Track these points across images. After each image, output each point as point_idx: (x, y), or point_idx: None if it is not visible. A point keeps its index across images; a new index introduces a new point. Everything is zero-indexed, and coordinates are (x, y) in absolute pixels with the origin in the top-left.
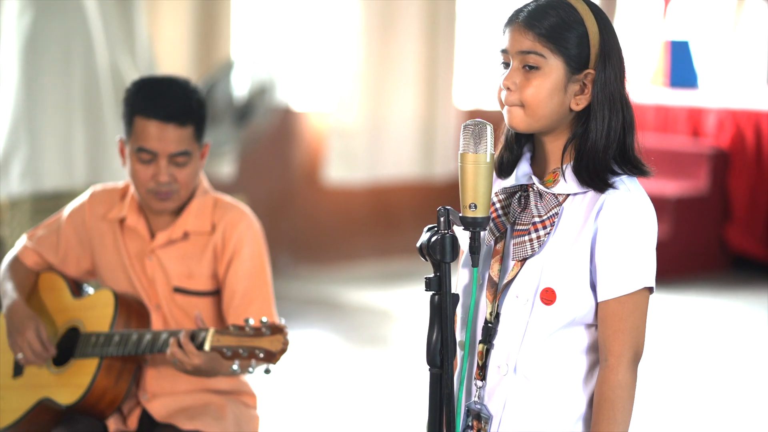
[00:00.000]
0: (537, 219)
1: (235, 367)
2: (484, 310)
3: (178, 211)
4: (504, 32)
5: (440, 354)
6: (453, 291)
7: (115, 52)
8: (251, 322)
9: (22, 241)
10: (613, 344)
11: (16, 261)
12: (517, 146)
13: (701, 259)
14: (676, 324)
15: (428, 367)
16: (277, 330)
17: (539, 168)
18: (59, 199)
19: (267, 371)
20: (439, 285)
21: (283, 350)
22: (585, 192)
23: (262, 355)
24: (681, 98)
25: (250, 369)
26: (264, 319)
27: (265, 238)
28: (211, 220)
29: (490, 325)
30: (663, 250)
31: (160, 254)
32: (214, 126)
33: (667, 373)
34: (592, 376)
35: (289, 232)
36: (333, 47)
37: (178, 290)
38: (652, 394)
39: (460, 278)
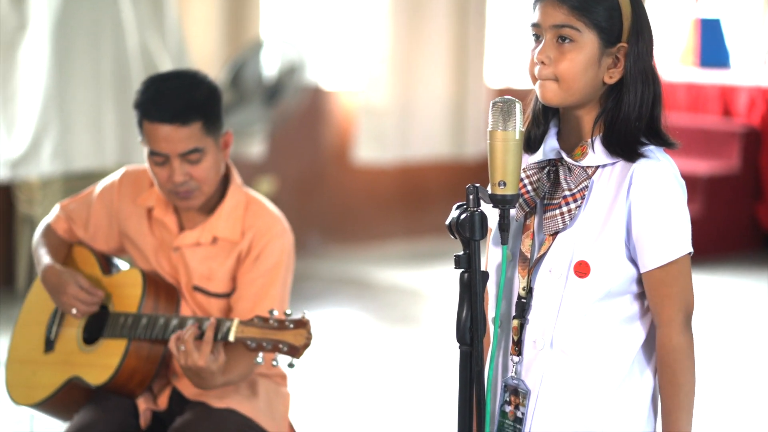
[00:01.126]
0: (567, 192)
1: (259, 359)
2: (517, 285)
3: (210, 210)
4: (535, 7)
5: (470, 331)
6: (482, 269)
7: (145, 33)
8: (275, 314)
9: (55, 211)
10: (663, 311)
11: (48, 229)
12: (544, 121)
13: (732, 238)
14: (707, 304)
15: (458, 344)
16: (300, 324)
17: (567, 142)
18: (90, 178)
19: (291, 365)
20: (468, 262)
21: (307, 345)
22: (614, 163)
23: (285, 349)
24: (712, 77)
25: (274, 362)
26: (288, 312)
27: (292, 248)
28: (241, 227)
29: (523, 300)
30: (694, 228)
31: (185, 252)
32: (244, 106)
33: (699, 353)
34: (630, 348)
35: (318, 212)
36: (363, 25)
37: (197, 289)
38: None
39: (490, 256)
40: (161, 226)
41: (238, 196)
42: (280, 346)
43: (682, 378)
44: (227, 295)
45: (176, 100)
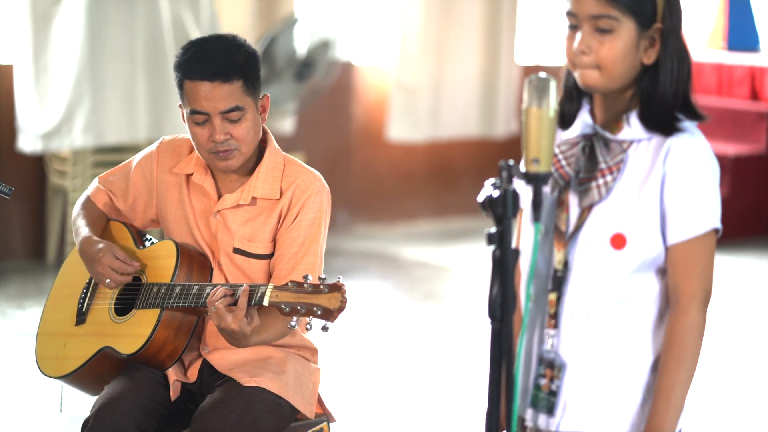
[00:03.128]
0: (603, 165)
1: (293, 322)
2: (554, 259)
3: (248, 173)
4: None
5: (501, 308)
6: (513, 246)
7: (178, 8)
8: (310, 278)
9: (94, 184)
10: (684, 286)
11: (88, 201)
12: (578, 97)
13: (759, 220)
14: (732, 285)
15: (489, 321)
16: (335, 288)
17: (602, 118)
18: (121, 152)
19: (325, 329)
20: (500, 240)
21: (341, 308)
22: (650, 138)
23: (319, 312)
24: (740, 58)
25: (308, 326)
26: (322, 276)
27: (330, 204)
28: (279, 185)
29: (559, 274)
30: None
31: (225, 214)
32: (274, 82)
33: (724, 336)
34: (664, 321)
35: (346, 189)
36: (395, 1)
37: (237, 251)
38: (708, 355)
39: (524, 233)
40: (200, 192)
41: (276, 157)
42: (314, 309)
43: (689, 356)
44: (267, 257)
45: (217, 58)
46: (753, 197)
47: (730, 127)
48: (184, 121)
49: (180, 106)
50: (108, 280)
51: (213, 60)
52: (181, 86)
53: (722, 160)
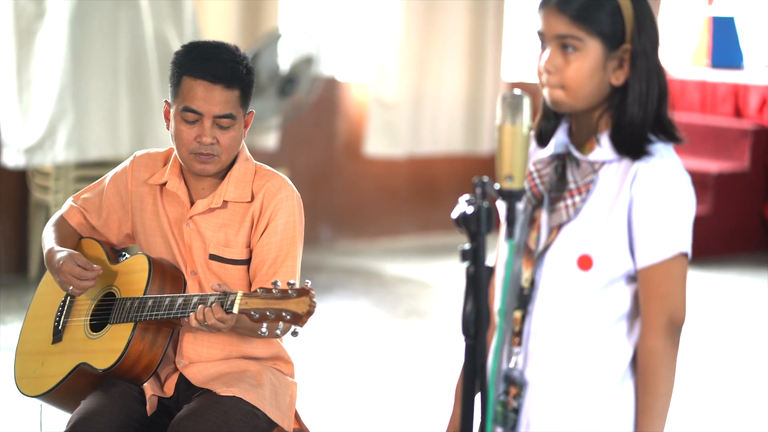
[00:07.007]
0: (572, 186)
1: (263, 329)
2: (521, 277)
3: (220, 180)
4: (539, 14)
5: (474, 325)
6: (489, 263)
7: (161, 23)
8: (278, 284)
9: (67, 204)
10: (646, 310)
11: (61, 220)
12: (555, 116)
13: (742, 237)
14: (715, 302)
15: (463, 337)
16: (303, 292)
17: (577, 137)
18: (104, 167)
19: (294, 333)
20: (474, 256)
21: (310, 312)
22: (620, 160)
23: (288, 317)
24: (723, 75)
25: (278, 331)
26: (291, 282)
27: (301, 209)
28: (250, 189)
29: (525, 292)
30: (703, 227)
31: (198, 221)
32: (257, 97)
33: (706, 353)
34: (630, 341)
35: (329, 204)
36: (377, 16)
37: (213, 257)
38: (691, 372)
39: (500, 250)
40: (174, 200)
41: (247, 164)
42: (283, 314)
43: (652, 382)
44: (243, 262)
45: (224, 63)
46: (736, 215)
47: (714, 144)
48: (166, 118)
49: (166, 102)
50: (71, 287)
51: (220, 63)
52: (177, 82)
53: (705, 177)
